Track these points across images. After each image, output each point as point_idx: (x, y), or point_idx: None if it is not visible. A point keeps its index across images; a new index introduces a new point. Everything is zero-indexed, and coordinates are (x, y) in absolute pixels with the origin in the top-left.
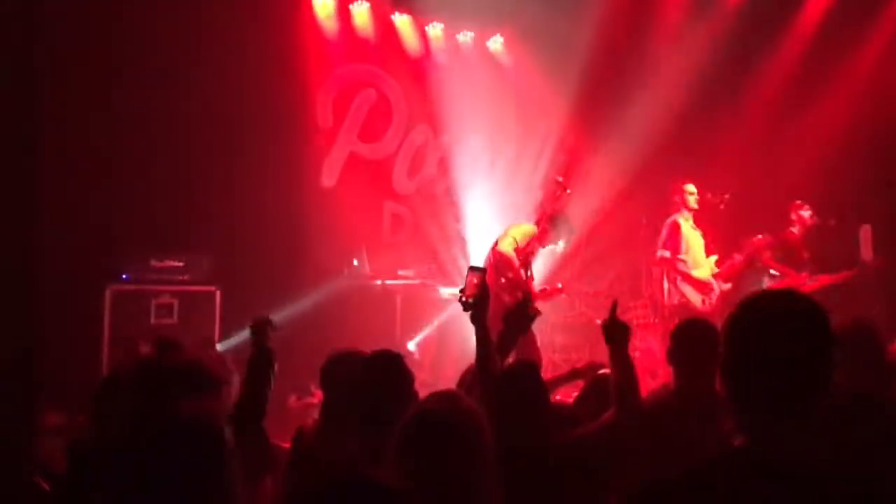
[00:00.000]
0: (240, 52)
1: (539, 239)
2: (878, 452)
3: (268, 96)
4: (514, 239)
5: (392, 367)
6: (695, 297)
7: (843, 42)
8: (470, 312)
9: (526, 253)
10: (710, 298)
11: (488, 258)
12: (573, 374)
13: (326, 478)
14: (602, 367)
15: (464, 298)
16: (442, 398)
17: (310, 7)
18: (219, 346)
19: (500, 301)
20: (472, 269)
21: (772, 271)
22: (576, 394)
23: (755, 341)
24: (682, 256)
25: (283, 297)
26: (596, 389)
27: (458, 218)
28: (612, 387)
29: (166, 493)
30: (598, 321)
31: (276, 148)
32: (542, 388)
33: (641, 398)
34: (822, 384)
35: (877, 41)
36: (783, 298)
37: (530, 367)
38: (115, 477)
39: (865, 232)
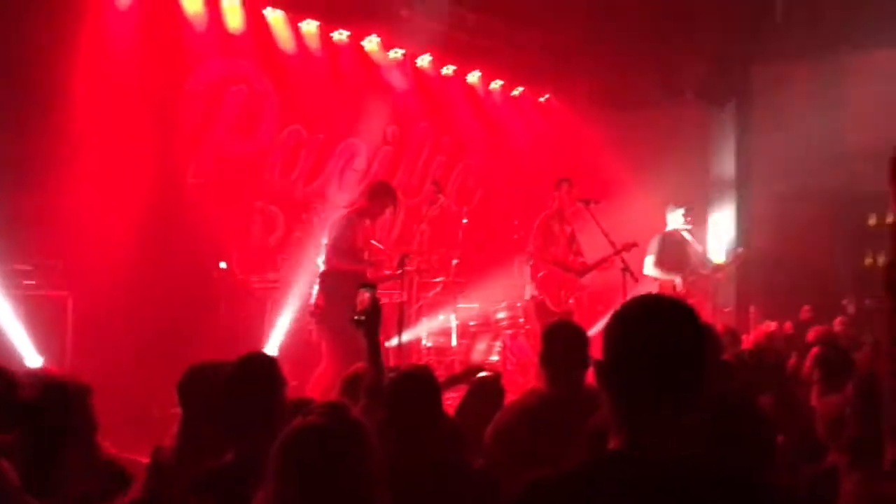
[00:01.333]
0: (100, 44)
1: (359, 216)
2: (730, 448)
3: (130, 90)
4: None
5: (261, 371)
6: (555, 296)
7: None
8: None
9: (353, 238)
10: (572, 297)
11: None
12: (452, 380)
13: None
14: (481, 370)
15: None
16: (325, 410)
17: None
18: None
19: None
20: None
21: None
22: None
23: (633, 341)
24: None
25: (144, 303)
26: (478, 394)
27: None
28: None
29: None
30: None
31: (140, 145)
32: (437, 397)
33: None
34: (698, 383)
35: None
36: (661, 301)
37: (424, 374)
38: None
39: None
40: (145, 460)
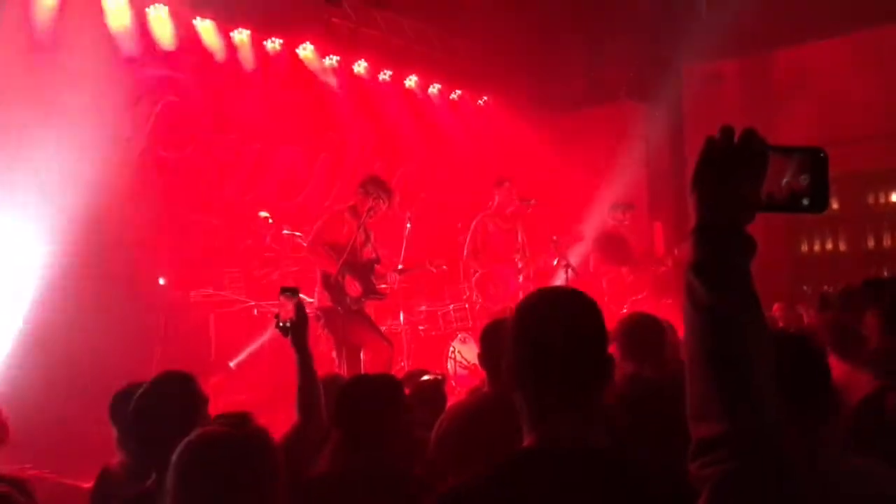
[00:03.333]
0: (22, 55)
1: (350, 212)
2: (657, 436)
3: (55, 101)
4: (315, 235)
5: (173, 390)
6: (491, 298)
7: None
8: (290, 337)
9: (343, 235)
10: (510, 295)
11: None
12: None
13: None
14: (425, 373)
15: (280, 323)
16: (229, 420)
17: (100, 9)
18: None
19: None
20: (283, 290)
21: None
22: None
23: (535, 338)
24: (490, 254)
25: (78, 323)
26: (421, 398)
27: (270, 229)
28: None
29: None
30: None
31: (69, 158)
32: (401, 404)
33: (320, 402)
34: (600, 376)
35: None
36: (560, 296)
37: (389, 380)
38: None
39: (657, 229)
40: (88, 485)
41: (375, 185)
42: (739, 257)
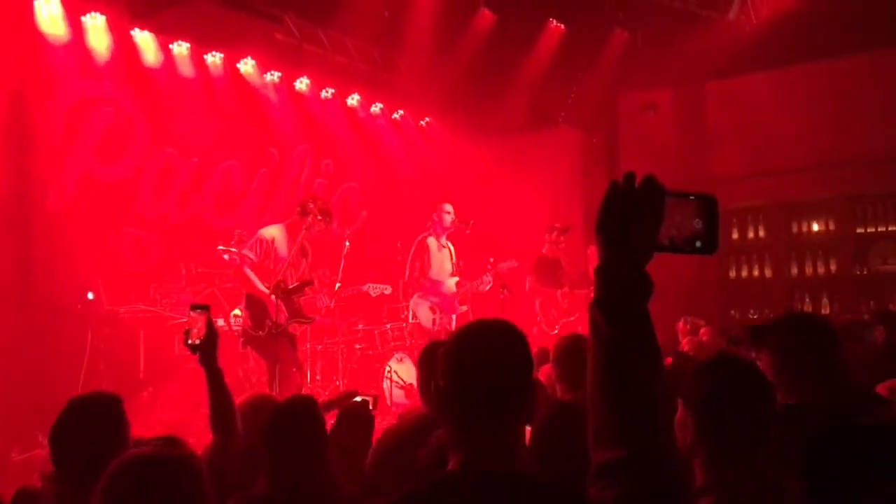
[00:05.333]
0: None
1: (287, 230)
2: (570, 460)
3: None
4: (247, 255)
5: (92, 413)
6: (426, 319)
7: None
8: (198, 355)
9: (273, 256)
10: (446, 317)
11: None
12: (328, 405)
13: None
14: (357, 394)
15: (189, 341)
16: (157, 443)
17: (31, 14)
18: None
19: None
20: (194, 307)
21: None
22: None
23: (466, 367)
24: (429, 275)
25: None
26: (347, 417)
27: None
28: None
29: None
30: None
31: None
32: (320, 423)
33: (235, 417)
34: (525, 402)
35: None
36: (490, 327)
37: (306, 401)
38: None
39: (592, 252)
40: None
41: (313, 205)
42: (638, 296)
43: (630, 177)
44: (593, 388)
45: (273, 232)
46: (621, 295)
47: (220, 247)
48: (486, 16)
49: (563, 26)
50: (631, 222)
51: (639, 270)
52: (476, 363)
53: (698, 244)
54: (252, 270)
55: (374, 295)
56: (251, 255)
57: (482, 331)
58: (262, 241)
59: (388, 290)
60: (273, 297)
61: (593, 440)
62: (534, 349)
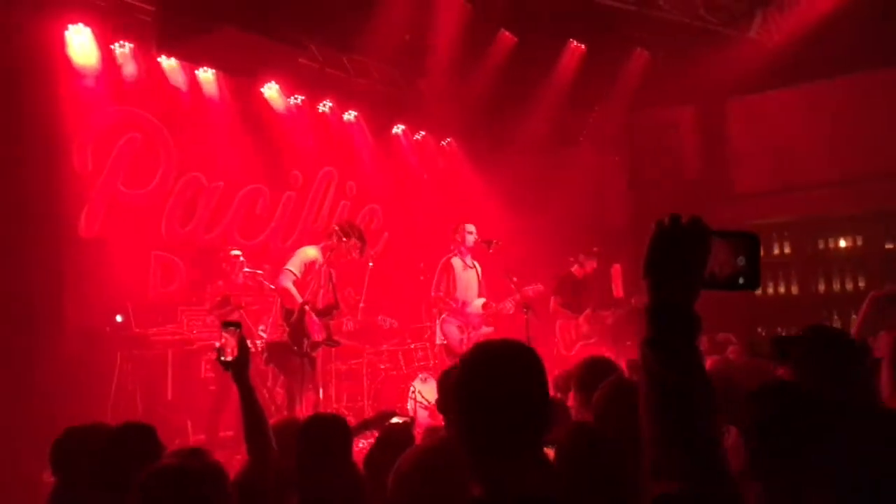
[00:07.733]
0: None
1: (331, 257)
2: (593, 485)
3: (16, 139)
4: (290, 270)
5: (136, 441)
6: (455, 338)
7: (595, 95)
8: (231, 372)
9: (312, 277)
10: (475, 339)
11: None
12: (363, 426)
13: None
14: (394, 415)
15: (223, 358)
16: (182, 454)
17: (62, 44)
18: None
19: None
20: (225, 325)
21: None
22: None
23: (474, 391)
24: (455, 295)
25: (33, 361)
26: (389, 441)
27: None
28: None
29: None
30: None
31: (28, 194)
32: (348, 438)
33: (269, 436)
34: (538, 427)
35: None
36: (500, 350)
37: (335, 419)
38: None
39: (616, 271)
40: None
41: (349, 229)
42: (687, 335)
43: (675, 218)
44: (648, 420)
45: (313, 253)
46: (672, 335)
47: (247, 269)
48: (506, 37)
49: (583, 46)
50: (678, 264)
51: (687, 310)
52: (486, 386)
53: (741, 281)
54: (295, 287)
55: (385, 327)
56: (294, 272)
57: (493, 353)
58: (305, 259)
59: (395, 324)
60: (309, 316)
61: (651, 472)
62: (551, 370)
